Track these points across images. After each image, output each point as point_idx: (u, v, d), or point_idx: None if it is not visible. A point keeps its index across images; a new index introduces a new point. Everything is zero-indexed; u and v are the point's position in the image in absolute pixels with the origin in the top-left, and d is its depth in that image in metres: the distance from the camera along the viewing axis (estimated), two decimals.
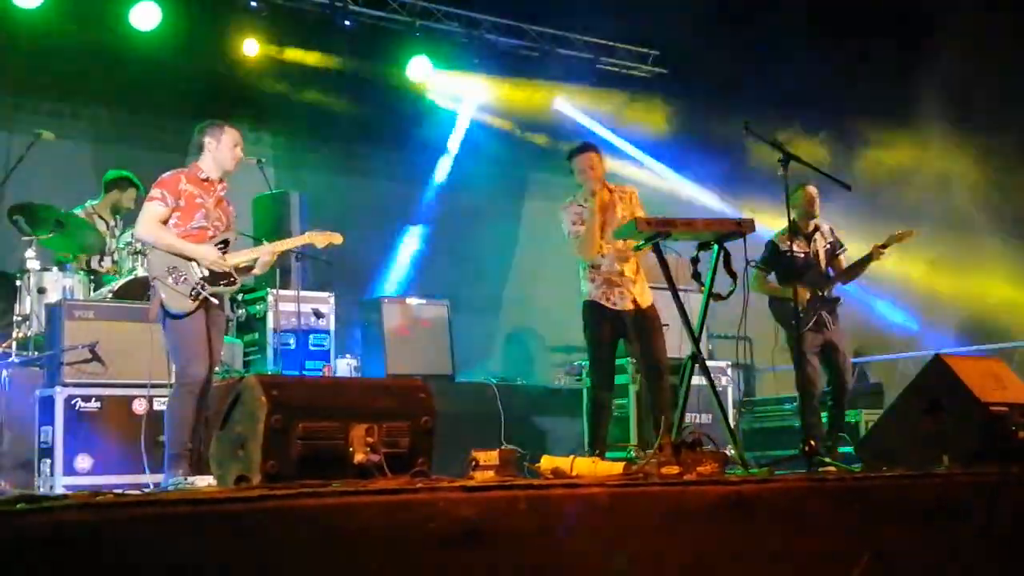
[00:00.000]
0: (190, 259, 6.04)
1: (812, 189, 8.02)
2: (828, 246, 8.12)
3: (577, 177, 7.16)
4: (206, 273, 6.07)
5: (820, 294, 7.93)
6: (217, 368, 6.40)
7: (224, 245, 6.19)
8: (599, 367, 7.14)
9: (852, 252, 8.13)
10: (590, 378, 7.28)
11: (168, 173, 6.18)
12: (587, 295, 7.14)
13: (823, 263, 8.06)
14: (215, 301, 6.06)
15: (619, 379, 7.95)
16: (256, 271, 6.45)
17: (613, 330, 7.08)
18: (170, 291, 5.95)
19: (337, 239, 6.66)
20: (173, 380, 6.09)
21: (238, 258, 6.24)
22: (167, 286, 5.95)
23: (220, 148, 6.21)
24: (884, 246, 7.79)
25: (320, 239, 6.60)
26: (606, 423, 7.19)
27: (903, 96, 11.23)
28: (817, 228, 8.12)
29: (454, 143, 12.68)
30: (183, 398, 5.91)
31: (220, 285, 6.13)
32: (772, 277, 8.06)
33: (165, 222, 6.06)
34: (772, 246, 8.05)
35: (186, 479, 5.70)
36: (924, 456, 5.42)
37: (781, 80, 11.00)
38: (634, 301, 7.04)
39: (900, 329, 12.73)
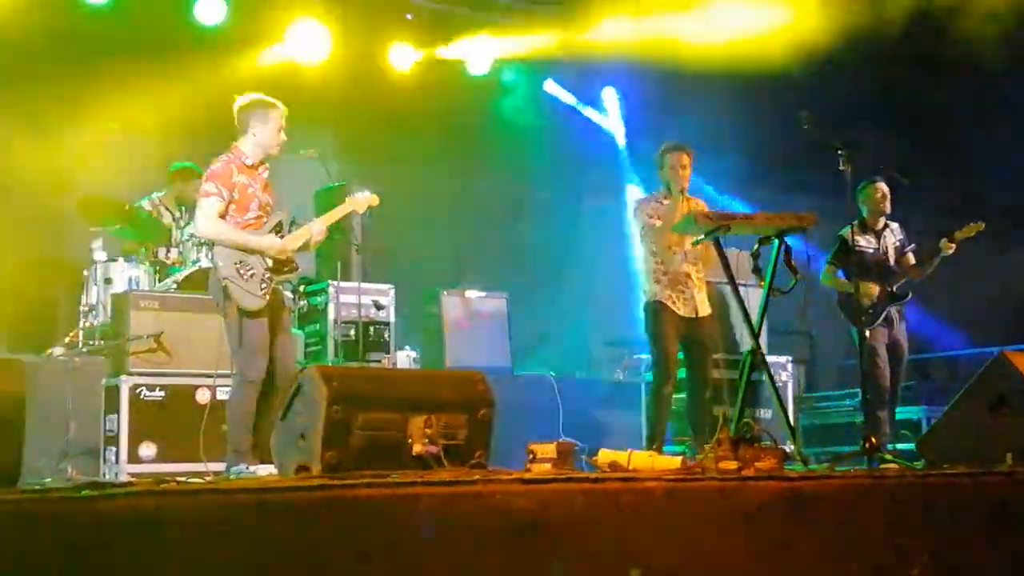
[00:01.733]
0: (254, 252, 5.97)
1: (882, 185, 7.94)
2: (897, 243, 8.06)
3: (665, 173, 7.23)
4: (270, 263, 6.01)
5: (889, 290, 7.86)
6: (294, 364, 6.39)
7: (278, 228, 6.13)
8: (663, 363, 7.19)
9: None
10: (652, 373, 7.31)
11: (218, 164, 6.02)
12: (652, 295, 7.22)
13: (892, 259, 8.01)
14: (283, 292, 6.07)
15: (679, 373, 7.93)
16: (310, 248, 6.48)
17: (677, 330, 7.18)
18: (242, 290, 5.89)
19: (375, 200, 6.72)
20: (235, 373, 6.01)
21: (295, 241, 6.19)
22: (238, 285, 5.88)
23: (267, 131, 6.05)
24: (952, 240, 7.72)
25: (360, 204, 6.66)
26: (665, 418, 7.23)
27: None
28: (887, 225, 8.05)
29: (515, 136, 12.67)
30: (247, 395, 5.86)
31: (284, 272, 6.10)
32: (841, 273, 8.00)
33: (223, 216, 5.97)
34: (841, 241, 7.95)
35: (248, 468, 5.75)
36: (987, 454, 5.33)
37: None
38: (695, 309, 7.21)
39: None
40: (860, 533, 3.90)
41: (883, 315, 7.82)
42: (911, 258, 8.05)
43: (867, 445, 5.97)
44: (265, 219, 6.10)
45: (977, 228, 7.74)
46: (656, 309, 7.20)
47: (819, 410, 9.67)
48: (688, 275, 7.18)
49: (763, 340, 6.23)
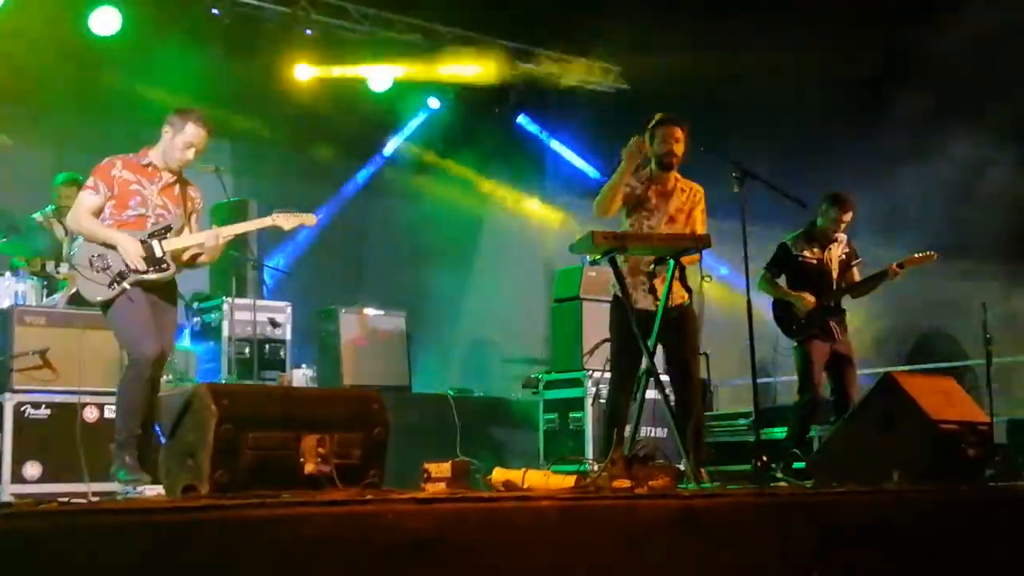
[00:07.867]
0: (111, 246, 5.72)
1: (851, 208, 7.69)
2: (843, 256, 7.82)
3: (656, 147, 6.49)
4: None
5: (827, 304, 7.66)
6: (168, 360, 6.20)
7: (165, 232, 5.84)
8: (615, 369, 6.53)
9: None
10: (611, 381, 6.62)
11: (105, 160, 5.87)
12: (614, 290, 6.41)
13: (835, 272, 7.77)
14: (139, 289, 5.72)
15: (576, 391, 7.93)
16: (204, 259, 6.03)
17: (635, 330, 6.09)
18: (85, 280, 5.71)
19: (310, 220, 6.14)
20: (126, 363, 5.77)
21: (178, 244, 5.85)
22: (83, 275, 5.72)
23: (173, 142, 5.85)
24: (901, 266, 7.56)
25: (288, 221, 6.08)
26: (621, 432, 6.27)
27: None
28: (836, 237, 7.78)
29: (415, 153, 12.68)
30: (134, 381, 5.64)
31: (149, 272, 5.76)
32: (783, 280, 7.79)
33: (99, 212, 5.79)
34: (783, 249, 7.73)
35: (135, 489, 5.61)
36: (875, 473, 5.45)
37: (749, 102, 11.02)
38: (656, 300, 6.29)
39: None
40: (752, 550, 3.94)
41: (821, 328, 7.60)
42: (855, 274, 7.83)
43: (758, 464, 6.05)
44: (153, 220, 5.84)
45: (928, 258, 7.61)
46: (614, 307, 6.47)
47: (712, 429, 9.76)
48: (650, 261, 6.35)
49: (658, 359, 6.25)
